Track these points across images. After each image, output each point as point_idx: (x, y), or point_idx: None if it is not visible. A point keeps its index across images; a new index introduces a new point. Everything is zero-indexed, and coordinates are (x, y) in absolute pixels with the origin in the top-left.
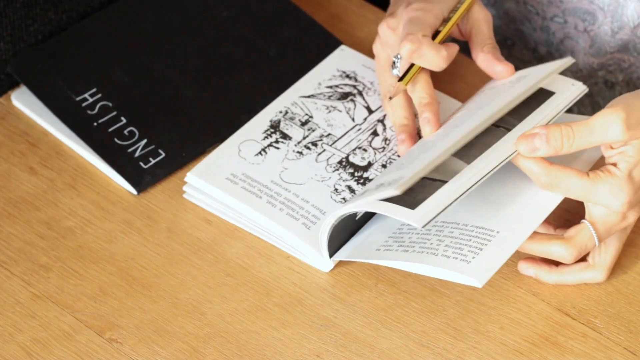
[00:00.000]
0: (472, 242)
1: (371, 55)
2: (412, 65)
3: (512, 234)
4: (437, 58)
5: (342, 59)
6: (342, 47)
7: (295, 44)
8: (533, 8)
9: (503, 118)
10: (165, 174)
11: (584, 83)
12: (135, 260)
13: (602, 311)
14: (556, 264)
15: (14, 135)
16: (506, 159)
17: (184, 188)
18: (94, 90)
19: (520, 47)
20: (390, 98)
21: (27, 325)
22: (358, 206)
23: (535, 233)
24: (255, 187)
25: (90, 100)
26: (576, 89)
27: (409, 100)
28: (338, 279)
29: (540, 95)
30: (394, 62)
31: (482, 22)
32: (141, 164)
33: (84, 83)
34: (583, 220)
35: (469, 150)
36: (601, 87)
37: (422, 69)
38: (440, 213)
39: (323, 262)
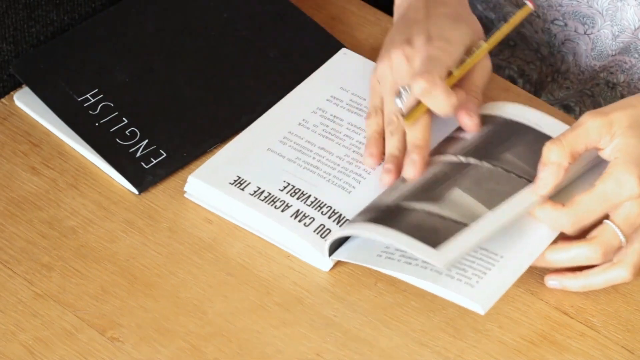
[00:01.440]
0: (475, 265)
1: (373, 57)
2: (419, 103)
3: (515, 260)
4: (446, 104)
5: (345, 67)
6: (344, 50)
7: (296, 45)
8: (534, 11)
9: (526, 170)
10: (166, 174)
11: (586, 85)
12: (137, 259)
13: (600, 310)
14: (581, 270)
15: (16, 136)
16: (527, 206)
17: (185, 188)
18: (96, 90)
19: (523, 48)
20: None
21: (29, 324)
22: (376, 233)
23: (556, 243)
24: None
25: (92, 100)
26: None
27: (404, 133)
28: (338, 278)
29: None
30: (400, 92)
31: (479, 68)
32: (142, 164)
33: (85, 84)
34: (605, 220)
35: (491, 197)
36: (602, 88)
37: (427, 108)
38: (460, 256)
39: (322, 261)
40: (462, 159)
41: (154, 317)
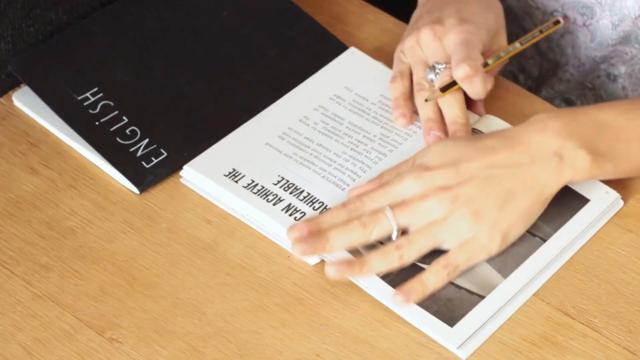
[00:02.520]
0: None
1: (373, 57)
2: (453, 81)
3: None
4: (482, 90)
5: (351, 66)
6: (353, 50)
7: (296, 44)
8: (533, 2)
9: (539, 226)
10: (167, 174)
11: (587, 77)
12: (136, 260)
13: (601, 311)
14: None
15: (14, 136)
16: (541, 270)
17: (181, 173)
18: (96, 89)
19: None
20: (426, 100)
21: (28, 324)
22: (393, 301)
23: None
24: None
25: (92, 99)
26: (609, 197)
27: (437, 102)
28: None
29: (575, 200)
30: (434, 67)
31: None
32: (143, 163)
33: (85, 82)
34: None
35: (505, 261)
36: (604, 80)
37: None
38: (477, 331)
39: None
40: None
41: (153, 318)
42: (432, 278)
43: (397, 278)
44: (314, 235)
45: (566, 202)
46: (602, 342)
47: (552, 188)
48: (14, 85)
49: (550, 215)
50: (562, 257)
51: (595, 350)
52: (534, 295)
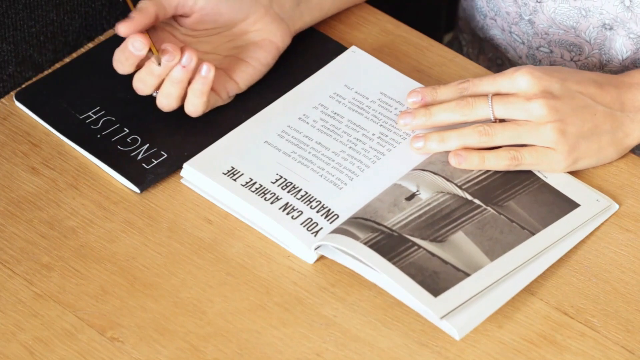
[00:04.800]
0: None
1: (378, 57)
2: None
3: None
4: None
5: (352, 64)
6: (354, 48)
7: (295, 47)
8: (518, 37)
9: (528, 221)
10: (167, 173)
11: None
12: (137, 259)
13: (599, 310)
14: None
15: (16, 136)
16: (526, 261)
17: (182, 173)
18: (97, 108)
19: (508, 67)
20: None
21: (29, 324)
22: (380, 267)
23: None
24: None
25: (94, 117)
26: (600, 205)
27: None
28: (338, 278)
29: (565, 204)
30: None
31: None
32: (144, 165)
33: (87, 105)
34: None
35: (494, 246)
36: None
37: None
38: (459, 306)
39: (307, 254)
40: (468, 196)
41: (154, 317)
42: (493, 158)
43: (384, 246)
44: (421, 109)
45: (557, 204)
46: (601, 341)
47: (632, 139)
48: (16, 86)
49: (540, 214)
50: (549, 252)
51: (594, 349)
52: (532, 294)
